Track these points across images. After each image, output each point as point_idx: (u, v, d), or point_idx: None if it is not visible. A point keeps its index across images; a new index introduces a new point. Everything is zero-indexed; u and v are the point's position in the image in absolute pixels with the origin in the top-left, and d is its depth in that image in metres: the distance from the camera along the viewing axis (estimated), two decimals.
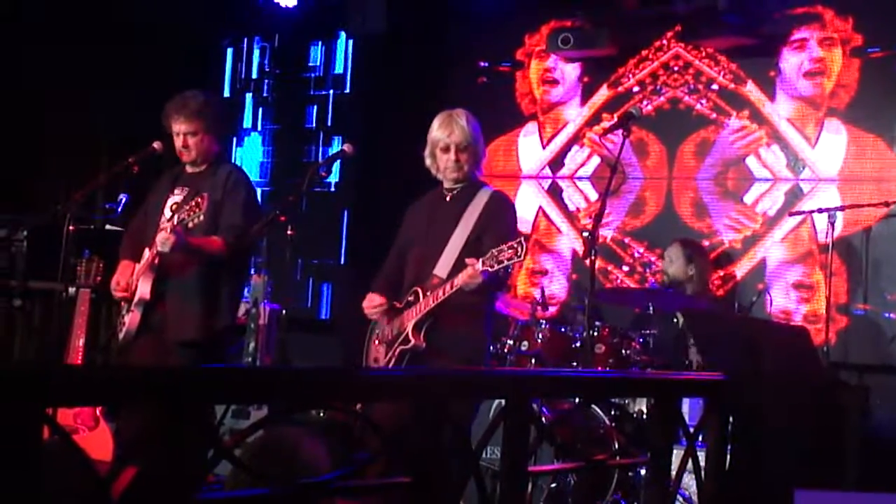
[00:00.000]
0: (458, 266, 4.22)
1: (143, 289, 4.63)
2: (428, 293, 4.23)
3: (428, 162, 4.46)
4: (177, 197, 4.69)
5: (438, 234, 4.39)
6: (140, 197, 5.14)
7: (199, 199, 4.46)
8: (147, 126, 4.91)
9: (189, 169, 4.86)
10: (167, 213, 4.69)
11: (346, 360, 6.22)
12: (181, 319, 4.63)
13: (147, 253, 4.64)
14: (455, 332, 4.23)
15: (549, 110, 7.50)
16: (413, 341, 4.22)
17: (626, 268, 7.15)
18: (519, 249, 3.89)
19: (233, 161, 8.22)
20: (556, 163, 7.44)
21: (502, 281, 4.28)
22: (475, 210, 4.37)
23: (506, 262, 3.92)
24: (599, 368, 5.17)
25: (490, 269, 3.95)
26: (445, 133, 4.40)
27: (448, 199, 4.47)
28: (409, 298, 4.33)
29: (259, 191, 8.35)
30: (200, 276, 4.64)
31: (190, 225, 4.46)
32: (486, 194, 4.42)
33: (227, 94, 8.59)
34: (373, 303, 4.41)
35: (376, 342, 4.45)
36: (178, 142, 4.77)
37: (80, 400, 2.54)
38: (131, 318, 4.62)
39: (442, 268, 4.29)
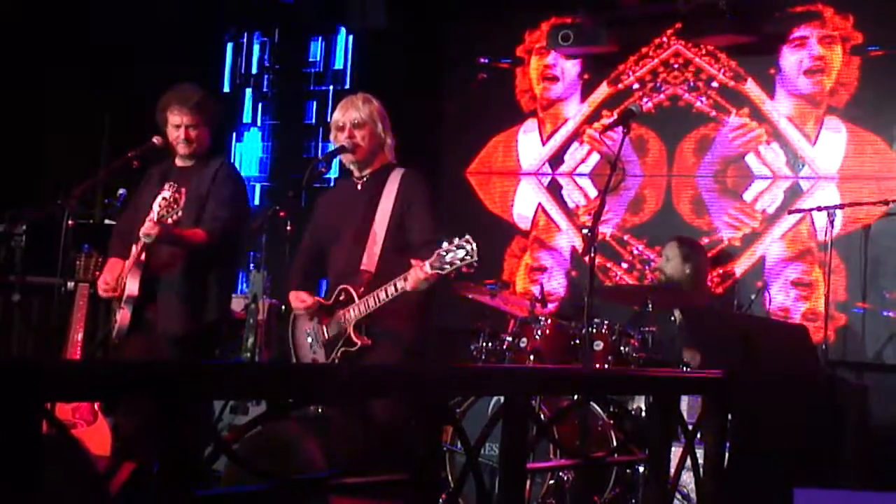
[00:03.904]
0: (385, 259, 4.19)
1: (132, 286, 4.61)
2: (360, 291, 4.18)
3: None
4: (166, 192, 4.67)
5: (357, 225, 4.32)
6: None
7: (178, 195, 4.44)
8: (147, 121, 4.90)
9: (179, 163, 4.83)
10: (156, 209, 4.67)
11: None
12: (169, 315, 4.63)
13: (134, 249, 4.63)
14: (388, 326, 4.20)
15: (548, 107, 7.49)
16: (359, 343, 4.18)
17: (625, 265, 7.15)
18: (469, 248, 3.79)
19: (230, 156, 8.27)
20: (556, 160, 7.43)
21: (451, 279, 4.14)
22: (389, 195, 4.30)
23: (458, 264, 3.82)
24: (598, 366, 5.17)
25: (441, 272, 3.88)
26: (341, 113, 4.38)
27: (359, 187, 4.41)
28: (341, 298, 4.26)
29: (258, 186, 8.36)
30: (187, 271, 4.63)
31: (169, 221, 4.43)
32: (398, 176, 4.35)
33: (226, 89, 8.58)
34: (305, 302, 4.32)
35: (310, 345, 4.39)
36: (179, 133, 4.72)
37: (79, 395, 2.54)
38: (122, 316, 4.61)
39: (368, 262, 4.24)
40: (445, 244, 3.86)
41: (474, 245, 3.80)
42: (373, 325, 4.21)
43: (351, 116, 4.35)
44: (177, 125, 4.73)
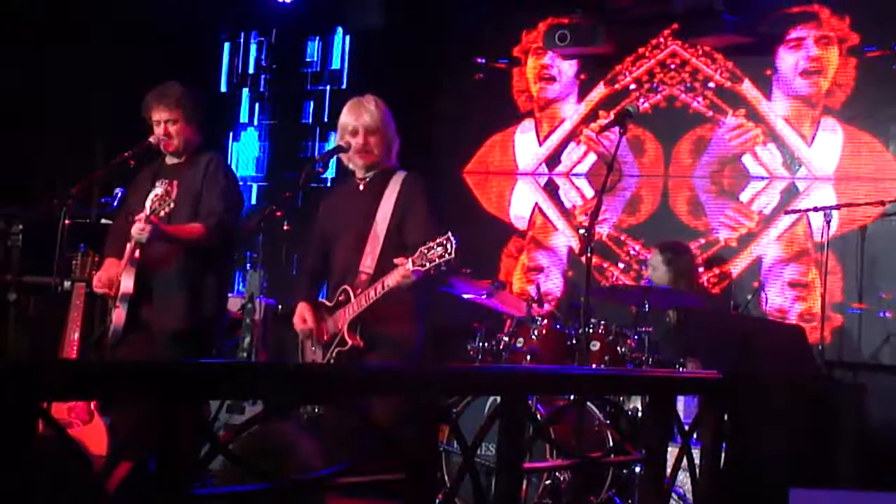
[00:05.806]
0: (383, 260, 4.20)
1: (126, 284, 4.60)
2: (358, 291, 4.20)
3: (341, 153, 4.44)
4: (158, 189, 4.67)
5: (358, 226, 4.34)
6: None
7: (169, 188, 4.46)
8: (144, 121, 4.90)
9: (169, 161, 4.85)
10: (148, 205, 4.67)
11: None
12: (165, 311, 4.62)
13: (128, 247, 4.62)
14: (388, 329, 4.22)
15: (545, 107, 7.49)
16: (350, 343, 4.19)
17: (621, 265, 7.15)
18: (448, 246, 3.86)
19: (227, 155, 8.27)
20: (553, 160, 7.44)
21: (436, 276, 4.18)
22: (390, 197, 4.32)
23: (437, 261, 3.89)
24: (594, 366, 5.17)
25: (421, 269, 3.93)
26: (353, 117, 4.35)
27: (362, 188, 4.42)
28: (340, 298, 4.28)
29: (255, 186, 8.36)
30: (182, 267, 4.64)
31: (161, 214, 4.44)
32: (399, 179, 4.37)
33: (223, 88, 8.58)
34: (305, 323, 4.37)
35: (311, 345, 4.41)
36: (160, 130, 4.75)
37: (75, 394, 2.54)
38: (117, 315, 4.61)
39: (367, 263, 4.26)
40: (429, 242, 3.91)
41: (453, 243, 3.88)
42: (372, 329, 4.21)
43: (364, 121, 4.33)
44: (157, 122, 4.76)
